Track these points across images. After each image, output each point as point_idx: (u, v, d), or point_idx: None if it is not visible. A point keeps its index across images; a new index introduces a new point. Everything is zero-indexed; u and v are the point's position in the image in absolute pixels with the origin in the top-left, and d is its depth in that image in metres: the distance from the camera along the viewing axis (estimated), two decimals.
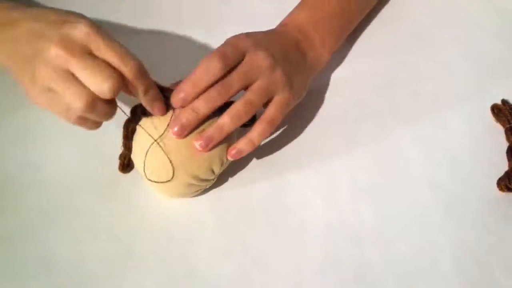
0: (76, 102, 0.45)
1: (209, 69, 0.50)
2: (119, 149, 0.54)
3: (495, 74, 0.63)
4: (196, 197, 0.55)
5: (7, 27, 0.47)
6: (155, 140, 0.50)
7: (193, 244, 0.53)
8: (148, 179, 0.52)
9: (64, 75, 0.45)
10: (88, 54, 0.45)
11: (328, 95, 0.62)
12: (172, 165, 0.50)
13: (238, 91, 0.52)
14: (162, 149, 0.50)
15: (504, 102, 0.59)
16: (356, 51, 0.65)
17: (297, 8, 0.61)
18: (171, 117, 0.51)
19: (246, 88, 0.52)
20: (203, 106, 0.50)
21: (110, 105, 0.47)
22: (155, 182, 0.52)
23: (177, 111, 0.51)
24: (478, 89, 0.62)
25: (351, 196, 0.55)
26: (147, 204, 0.55)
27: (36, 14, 0.47)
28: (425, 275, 0.51)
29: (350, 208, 0.55)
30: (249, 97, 0.52)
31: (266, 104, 0.54)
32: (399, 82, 0.62)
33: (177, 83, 0.52)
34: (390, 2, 0.68)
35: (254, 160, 0.58)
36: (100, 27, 0.46)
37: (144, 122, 0.52)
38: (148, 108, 0.50)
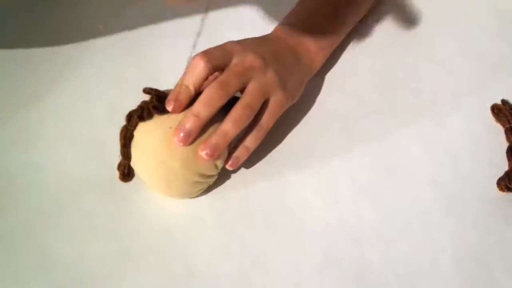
0: None
1: (195, 69, 0.50)
2: (119, 149, 0.53)
3: (495, 73, 0.62)
4: (195, 197, 0.55)
5: None
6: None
7: (193, 244, 0.53)
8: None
9: None
10: None
11: (327, 94, 0.62)
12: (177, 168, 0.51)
13: (236, 90, 0.52)
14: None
15: (504, 102, 0.59)
16: (355, 50, 0.65)
17: (291, 12, 0.61)
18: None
19: (242, 89, 0.52)
20: (203, 109, 0.50)
21: None
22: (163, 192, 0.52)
23: (172, 115, 0.51)
24: (478, 89, 0.61)
25: (351, 195, 0.55)
26: (147, 204, 0.55)
27: None
28: (426, 275, 0.51)
29: (350, 208, 0.55)
30: (246, 101, 0.52)
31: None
32: (399, 81, 0.62)
33: None
34: (390, 2, 0.68)
35: (254, 160, 0.57)
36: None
37: (142, 127, 0.52)
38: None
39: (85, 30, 0.66)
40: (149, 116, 0.51)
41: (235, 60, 0.52)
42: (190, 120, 0.50)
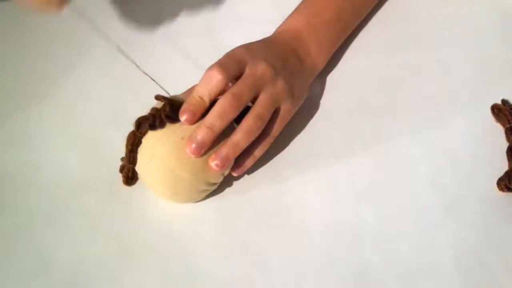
0: None
1: (211, 81, 0.50)
2: (119, 149, 0.53)
3: (495, 74, 0.62)
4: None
5: None
6: None
7: (193, 244, 0.53)
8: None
9: None
10: None
11: (328, 95, 0.62)
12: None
13: (249, 101, 0.52)
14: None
15: (504, 102, 0.59)
16: (356, 51, 0.65)
17: (293, 14, 0.61)
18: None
19: (254, 99, 0.52)
20: (217, 121, 0.50)
21: None
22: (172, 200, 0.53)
23: (183, 125, 0.51)
24: (478, 89, 0.61)
25: (351, 196, 0.55)
26: (147, 204, 0.55)
27: None
28: (426, 275, 0.51)
29: (350, 208, 0.55)
30: (258, 111, 0.52)
31: None
32: (399, 82, 0.62)
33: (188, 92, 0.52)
34: (390, 2, 0.68)
35: None
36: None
37: (152, 134, 0.51)
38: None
39: (85, 30, 0.66)
40: (161, 125, 0.51)
41: (247, 71, 0.52)
42: (203, 131, 0.50)
